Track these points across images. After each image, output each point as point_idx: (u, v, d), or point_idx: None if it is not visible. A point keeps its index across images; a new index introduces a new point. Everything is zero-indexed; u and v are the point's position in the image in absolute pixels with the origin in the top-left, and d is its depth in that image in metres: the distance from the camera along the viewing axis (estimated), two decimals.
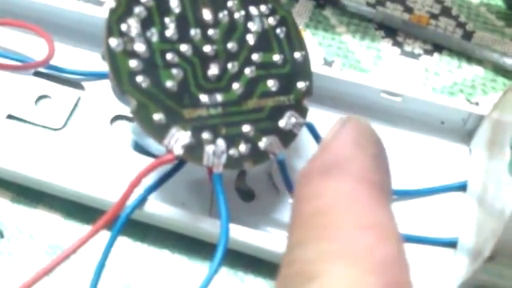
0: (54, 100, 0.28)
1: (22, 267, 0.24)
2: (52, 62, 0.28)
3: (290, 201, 0.26)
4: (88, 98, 0.29)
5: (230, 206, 0.26)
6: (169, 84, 0.21)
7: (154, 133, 0.21)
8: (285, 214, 0.26)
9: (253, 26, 0.24)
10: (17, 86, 0.28)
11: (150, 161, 0.26)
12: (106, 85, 0.29)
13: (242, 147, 0.22)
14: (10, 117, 0.28)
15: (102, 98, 0.28)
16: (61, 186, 0.24)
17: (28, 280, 0.17)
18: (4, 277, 0.24)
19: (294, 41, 0.25)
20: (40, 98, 0.28)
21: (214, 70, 0.23)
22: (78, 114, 0.28)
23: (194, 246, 0.25)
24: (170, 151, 0.21)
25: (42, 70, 0.29)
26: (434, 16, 0.34)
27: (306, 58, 0.25)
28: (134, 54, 0.21)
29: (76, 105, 0.28)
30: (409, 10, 0.34)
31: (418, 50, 0.32)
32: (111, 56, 0.21)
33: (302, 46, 0.25)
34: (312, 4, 0.34)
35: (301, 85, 0.24)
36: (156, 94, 0.21)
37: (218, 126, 0.22)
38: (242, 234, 0.23)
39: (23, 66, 0.28)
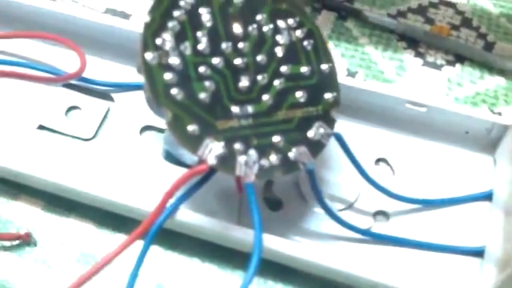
0: (84, 111, 0.29)
1: (55, 275, 0.25)
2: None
3: (317, 210, 0.27)
4: (117, 108, 0.29)
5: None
6: (202, 96, 0.22)
7: (188, 144, 0.21)
8: (312, 223, 0.26)
9: (281, 38, 0.24)
10: (47, 97, 0.29)
11: (180, 170, 0.26)
12: (135, 96, 0.29)
13: (273, 157, 0.22)
14: (41, 127, 0.28)
15: (131, 108, 0.29)
16: (93, 194, 0.25)
17: None
18: (38, 285, 0.24)
19: (321, 53, 0.25)
20: (70, 108, 0.29)
21: (244, 82, 0.23)
22: (108, 124, 0.29)
23: (224, 254, 0.25)
24: (203, 161, 0.21)
25: (71, 81, 0.29)
26: (454, 27, 0.34)
27: (332, 70, 0.25)
28: (168, 67, 0.22)
29: (106, 115, 0.29)
30: (430, 21, 0.34)
31: (440, 61, 0.33)
32: (147, 69, 0.22)
33: (328, 58, 0.25)
34: (334, 16, 0.34)
35: (328, 96, 0.24)
36: (190, 105, 0.22)
37: (249, 136, 0.22)
38: (271, 243, 0.24)
39: (57, 78, 0.29)
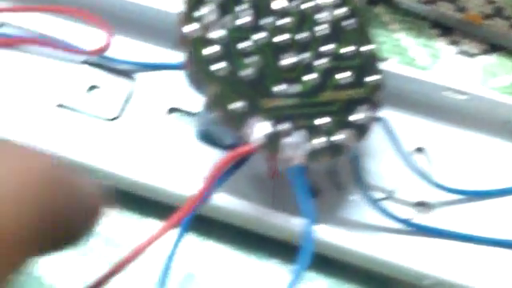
0: (106, 90, 0.27)
1: (83, 261, 0.23)
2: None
3: (354, 198, 0.25)
4: (141, 89, 0.28)
5: (292, 202, 0.25)
6: (245, 73, 0.21)
7: (232, 122, 0.20)
8: (348, 210, 0.25)
9: (322, 17, 0.23)
10: (68, 75, 0.27)
11: (210, 152, 0.25)
12: (160, 77, 0.28)
13: (318, 140, 0.21)
14: (60, 106, 0.27)
15: (157, 89, 0.27)
16: (118, 175, 0.23)
17: (100, 276, 0.15)
18: (69, 272, 0.23)
19: (363, 34, 0.24)
20: (92, 87, 0.27)
21: (287, 60, 0.22)
22: (133, 104, 0.27)
23: (258, 241, 0.24)
24: (248, 142, 0.20)
25: (92, 59, 0.28)
26: (487, 16, 0.33)
27: (375, 52, 0.24)
28: (210, 42, 0.21)
29: (129, 96, 0.27)
30: (461, 9, 0.33)
31: (474, 50, 0.32)
32: (188, 43, 0.20)
33: (370, 40, 0.24)
34: (364, 1, 0.33)
35: (371, 78, 0.23)
36: (233, 82, 0.20)
37: (294, 117, 0.21)
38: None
39: (82, 51, 0.27)
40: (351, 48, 0.23)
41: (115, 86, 0.27)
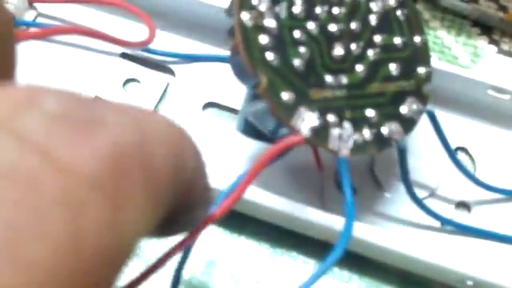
0: (143, 84, 0.27)
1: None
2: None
3: (392, 196, 0.25)
4: (178, 83, 0.27)
5: (329, 199, 0.25)
6: (296, 62, 0.20)
7: (282, 112, 0.19)
8: (387, 209, 0.25)
9: (375, 6, 0.23)
10: (104, 67, 0.27)
11: (249, 145, 0.25)
12: (197, 70, 0.28)
13: (366, 132, 0.21)
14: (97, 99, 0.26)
15: (193, 84, 0.27)
16: None
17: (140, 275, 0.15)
18: None
19: (414, 24, 0.23)
20: (128, 81, 0.27)
21: (339, 50, 0.21)
22: (168, 99, 0.27)
23: (292, 238, 0.23)
24: (296, 133, 0.19)
25: (129, 52, 0.28)
26: None
27: (425, 43, 0.23)
28: (264, 30, 0.20)
29: (165, 90, 0.27)
30: (503, 8, 0.32)
31: None
32: (242, 30, 0.20)
33: (421, 31, 0.23)
34: None
35: (421, 70, 0.23)
36: (285, 72, 0.20)
37: (342, 108, 0.20)
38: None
39: (127, 42, 0.27)
40: (403, 38, 0.23)
41: (152, 80, 0.27)
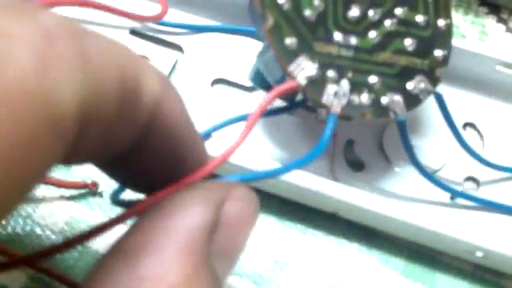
0: (152, 61, 0.27)
1: None
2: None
3: (401, 171, 0.25)
4: (187, 60, 0.27)
5: (339, 174, 0.25)
6: (308, 12, 0.20)
7: (283, 56, 0.20)
8: (395, 184, 0.25)
9: None
10: None
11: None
12: (205, 47, 0.28)
13: (364, 96, 0.21)
14: None
15: (202, 60, 0.27)
16: None
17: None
18: None
19: (442, 7, 0.23)
20: None
21: (355, 12, 0.21)
22: (177, 75, 0.27)
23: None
24: (292, 79, 0.19)
25: (139, 29, 0.28)
26: None
27: (449, 28, 0.23)
28: None
29: (174, 66, 0.27)
30: None
31: None
32: None
33: (447, 15, 0.23)
34: None
35: (438, 53, 0.23)
36: (294, 18, 0.20)
37: (345, 68, 0.21)
38: (356, 199, 0.22)
39: (137, 16, 0.27)
40: (425, 18, 0.23)
41: (161, 56, 0.27)
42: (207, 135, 0.23)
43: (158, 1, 0.27)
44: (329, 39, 0.20)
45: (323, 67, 0.20)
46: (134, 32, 0.28)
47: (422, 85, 0.22)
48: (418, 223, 0.22)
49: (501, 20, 0.31)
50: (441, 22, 0.23)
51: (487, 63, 0.26)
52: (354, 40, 0.21)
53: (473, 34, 0.30)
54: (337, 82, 0.20)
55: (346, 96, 0.20)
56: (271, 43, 0.19)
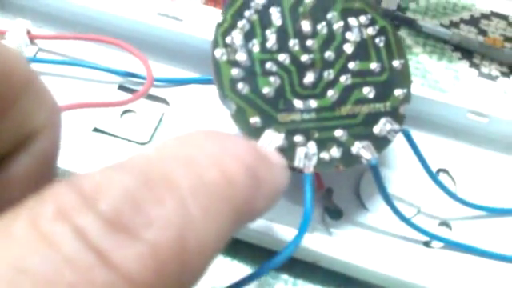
0: (139, 114, 0.28)
1: None
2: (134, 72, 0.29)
3: (378, 218, 0.26)
4: (172, 113, 0.29)
5: (318, 223, 0.26)
6: (266, 90, 0.22)
7: (250, 134, 0.21)
8: (373, 233, 0.26)
9: (351, 35, 0.24)
10: (102, 99, 0.29)
11: None
12: (190, 100, 0.29)
13: (334, 151, 0.22)
14: (96, 130, 0.28)
15: (187, 113, 0.29)
16: None
17: None
18: None
19: (394, 49, 0.25)
20: (125, 112, 0.29)
21: (309, 78, 0.23)
22: (163, 128, 0.28)
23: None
24: None
25: (126, 84, 0.29)
26: (508, 39, 0.34)
27: (405, 66, 0.25)
28: (236, 64, 0.22)
29: (161, 119, 0.28)
30: (482, 32, 0.34)
31: (495, 72, 0.32)
32: (215, 65, 0.22)
33: (401, 55, 0.25)
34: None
35: (398, 92, 0.24)
36: (254, 99, 0.22)
37: (310, 129, 0.22)
38: (334, 251, 0.23)
39: (134, 97, 0.28)
40: (380, 63, 0.24)
41: (148, 110, 0.29)
42: None
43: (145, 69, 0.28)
44: (290, 108, 0.22)
45: (290, 134, 0.21)
46: (121, 87, 0.29)
47: (388, 126, 0.23)
48: (394, 274, 0.23)
49: (473, 65, 0.33)
50: (396, 63, 0.24)
51: (458, 112, 0.28)
52: (314, 103, 0.22)
53: (446, 79, 0.32)
54: (305, 144, 0.22)
55: (316, 155, 0.22)
56: (237, 126, 0.21)
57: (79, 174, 0.11)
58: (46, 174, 0.14)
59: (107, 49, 0.30)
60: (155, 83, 0.29)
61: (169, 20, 0.30)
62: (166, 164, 0.12)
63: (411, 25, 0.33)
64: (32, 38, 0.30)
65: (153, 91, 0.29)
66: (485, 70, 0.32)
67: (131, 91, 0.29)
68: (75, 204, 0.10)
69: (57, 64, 0.29)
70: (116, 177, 0.11)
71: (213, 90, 0.29)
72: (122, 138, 0.28)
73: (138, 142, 0.28)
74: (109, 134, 0.28)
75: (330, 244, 0.23)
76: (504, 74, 0.32)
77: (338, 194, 0.27)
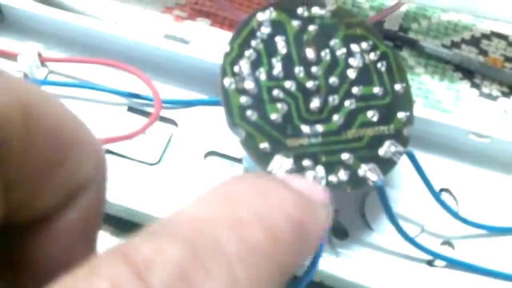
0: (148, 135, 0.29)
1: None
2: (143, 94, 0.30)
3: (383, 239, 0.27)
4: (181, 134, 0.29)
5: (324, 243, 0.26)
6: (274, 117, 0.23)
7: (260, 160, 0.22)
8: (378, 252, 0.26)
9: (354, 61, 0.25)
10: (112, 121, 0.29)
11: None
12: (199, 121, 0.30)
13: (341, 174, 0.23)
14: (107, 151, 0.28)
15: (195, 134, 0.29)
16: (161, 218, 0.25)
17: None
18: None
19: (395, 73, 0.25)
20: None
21: (315, 103, 0.24)
22: (172, 149, 0.29)
23: None
24: None
25: (136, 105, 0.30)
26: (508, 59, 0.34)
27: (406, 90, 0.25)
28: (244, 91, 0.23)
29: (169, 140, 0.29)
30: (483, 52, 0.35)
31: (495, 92, 0.33)
32: (224, 94, 0.22)
33: (402, 78, 0.25)
34: (390, 45, 0.34)
35: (401, 115, 0.25)
36: (262, 125, 0.22)
37: (318, 154, 0.23)
38: (339, 271, 0.24)
39: (146, 125, 0.29)
40: (382, 87, 0.25)
41: (157, 131, 0.29)
42: None
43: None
44: (298, 134, 0.23)
45: (298, 159, 0.22)
46: (131, 109, 0.30)
47: (393, 148, 0.24)
48: None
49: (474, 85, 0.33)
50: (397, 87, 0.25)
51: (460, 133, 0.28)
52: (320, 127, 0.23)
53: (447, 100, 0.32)
54: (313, 168, 0.22)
55: (324, 178, 0.22)
56: (247, 152, 0.22)
57: (127, 241, 0.11)
58: (92, 227, 0.14)
59: (116, 70, 0.30)
60: (164, 105, 0.29)
61: (176, 42, 0.31)
62: (212, 228, 0.12)
63: (413, 45, 0.34)
64: (43, 61, 0.30)
65: (162, 112, 0.30)
66: (485, 90, 0.33)
67: (141, 112, 0.30)
68: (129, 279, 0.11)
69: (67, 86, 0.30)
70: (166, 249, 0.11)
71: (220, 111, 0.30)
72: (133, 159, 0.28)
73: (147, 163, 0.28)
74: (119, 156, 0.28)
75: (335, 264, 0.24)
76: (504, 94, 0.33)
77: (343, 214, 0.27)
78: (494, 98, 0.33)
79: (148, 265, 0.11)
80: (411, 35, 0.35)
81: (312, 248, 0.14)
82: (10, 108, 0.11)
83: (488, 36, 0.35)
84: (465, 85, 0.33)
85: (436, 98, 0.32)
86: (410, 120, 0.25)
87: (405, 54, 0.34)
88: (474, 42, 0.35)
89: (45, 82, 0.30)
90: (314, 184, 0.16)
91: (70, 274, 0.11)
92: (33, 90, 0.12)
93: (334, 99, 0.24)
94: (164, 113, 0.30)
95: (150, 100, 0.29)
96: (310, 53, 0.24)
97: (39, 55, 0.30)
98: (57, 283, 0.10)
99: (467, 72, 0.34)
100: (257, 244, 0.12)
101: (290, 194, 0.14)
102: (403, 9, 0.35)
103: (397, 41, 0.35)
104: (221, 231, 0.12)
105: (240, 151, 0.25)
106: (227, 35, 0.33)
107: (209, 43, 0.34)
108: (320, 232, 0.14)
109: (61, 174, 0.13)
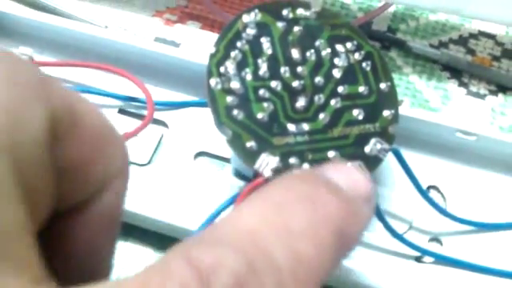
0: (139, 136, 0.29)
1: None
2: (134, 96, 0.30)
3: (371, 235, 0.27)
4: (171, 135, 0.30)
5: None
6: (260, 116, 0.23)
7: (247, 158, 0.22)
8: (366, 249, 0.27)
9: (339, 61, 0.25)
10: None
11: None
12: (189, 122, 0.30)
13: None
14: None
15: (185, 135, 0.30)
16: (151, 218, 0.26)
17: None
18: None
19: (380, 72, 0.26)
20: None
21: (301, 102, 0.24)
22: (163, 150, 0.29)
23: None
24: (260, 174, 0.22)
25: (126, 107, 0.30)
26: (495, 58, 0.35)
27: (391, 88, 0.26)
28: (230, 91, 0.23)
29: (160, 141, 0.29)
30: (471, 52, 0.35)
31: (483, 91, 0.33)
32: (211, 94, 0.23)
33: (387, 77, 0.26)
34: (378, 45, 0.35)
35: (387, 113, 0.25)
36: (249, 124, 0.23)
37: (304, 151, 0.23)
38: None
39: (139, 128, 0.29)
40: (367, 87, 0.25)
41: (147, 132, 0.30)
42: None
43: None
44: (284, 132, 0.23)
45: (284, 157, 0.22)
46: (122, 110, 0.30)
47: (379, 145, 0.24)
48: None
49: (462, 84, 0.34)
50: (382, 86, 0.25)
51: (447, 131, 0.29)
52: (306, 126, 0.23)
53: (435, 99, 0.33)
54: (300, 166, 0.22)
55: None
56: (234, 151, 0.22)
57: (192, 243, 0.13)
58: (117, 217, 0.15)
59: (107, 73, 0.31)
60: (155, 106, 0.30)
61: (166, 45, 0.31)
62: (267, 241, 0.13)
63: (401, 46, 0.35)
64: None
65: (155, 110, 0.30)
66: (473, 88, 0.33)
67: (131, 114, 0.30)
68: (195, 284, 0.12)
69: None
70: (227, 259, 0.12)
71: (210, 112, 0.30)
72: None
73: (138, 164, 0.29)
74: None
75: None
76: (492, 93, 0.33)
77: None
78: (482, 97, 0.33)
79: (211, 272, 0.12)
80: (399, 36, 0.35)
81: (349, 254, 0.15)
82: (62, 110, 0.13)
83: (476, 35, 0.36)
84: (453, 84, 0.34)
85: (424, 97, 0.33)
86: (395, 118, 0.25)
87: (393, 54, 0.35)
88: (462, 41, 0.35)
89: None
90: (358, 176, 0.17)
91: (143, 272, 0.12)
92: (76, 96, 0.14)
93: (319, 98, 0.24)
94: (155, 114, 0.30)
95: (143, 102, 0.30)
96: (295, 53, 0.25)
97: (31, 59, 0.31)
98: (129, 281, 0.11)
99: (455, 71, 0.34)
100: (306, 257, 0.13)
101: (335, 201, 0.15)
102: (391, 10, 0.36)
103: (385, 41, 0.35)
104: (274, 245, 0.13)
105: (229, 151, 0.26)
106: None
107: (199, 46, 0.34)
108: (360, 237, 0.15)
109: (98, 166, 0.14)
